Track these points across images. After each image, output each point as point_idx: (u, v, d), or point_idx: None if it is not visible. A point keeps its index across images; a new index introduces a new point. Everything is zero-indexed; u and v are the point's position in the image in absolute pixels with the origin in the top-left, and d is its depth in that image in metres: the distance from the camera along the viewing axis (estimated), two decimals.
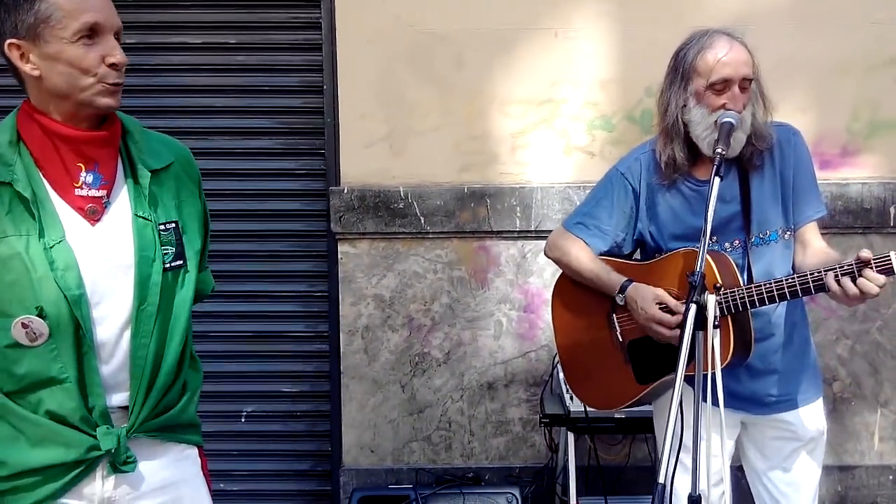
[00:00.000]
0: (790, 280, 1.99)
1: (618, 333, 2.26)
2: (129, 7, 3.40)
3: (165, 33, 3.44)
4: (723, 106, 2.07)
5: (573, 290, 2.36)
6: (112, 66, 1.52)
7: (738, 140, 2.10)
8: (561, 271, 2.41)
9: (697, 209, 2.14)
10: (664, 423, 1.76)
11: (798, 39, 3.27)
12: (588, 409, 2.87)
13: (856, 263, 1.91)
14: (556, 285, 2.43)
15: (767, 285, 2.01)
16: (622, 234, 2.28)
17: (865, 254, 1.91)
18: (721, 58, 2.06)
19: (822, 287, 1.96)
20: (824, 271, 1.95)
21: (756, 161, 2.16)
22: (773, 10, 3.28)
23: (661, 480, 1.67)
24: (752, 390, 2.20)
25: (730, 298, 2.04)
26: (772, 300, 2.01)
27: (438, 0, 3.33)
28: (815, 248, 2.19)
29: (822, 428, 2.29)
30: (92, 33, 1.50)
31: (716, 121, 2.07)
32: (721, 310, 2.02)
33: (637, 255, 2.36)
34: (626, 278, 2.20)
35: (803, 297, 2.07)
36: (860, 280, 1.90)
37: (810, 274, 1.97)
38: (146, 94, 3.42)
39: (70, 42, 1.49)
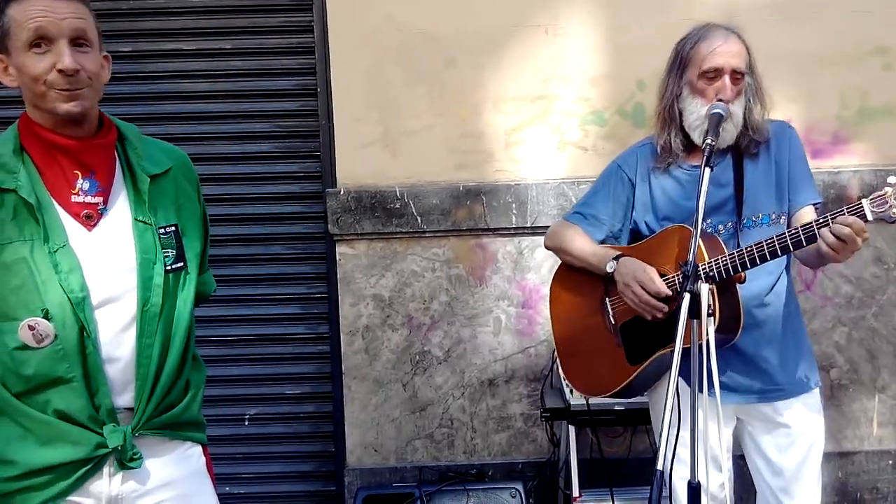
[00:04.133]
0: (769, 241, 2.01)
1: (610, 317, 2.30)
2: (123, 15, 3.43)
3: (159, 41, 3.46)
4: (713, 96, 2.12)
5: (569, 281, 2.40)
6: (60, 72, 1.51)
7: (729, 132, 2.15)
8: (559, 265, 2.44)
9: (692, 193, 2.18)
10: (660, 412, 1.78)
11: (785, 30, 3.29)
12: (589, 401, 2.91)
13: (830, 215, 1.93)
14: (553, 280, 2.47)
15: (749, 249, 2.03)
16: (618, 225, 2.33)
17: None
18: (714, 48, 2.13)
19: (799, 243, 1.97)
20: (801, 227, 1.97)
21: (752, 149, 2.22)
22: (760, 1, 3.30)
23: (659, 467, 1.69)
24: (745, 374, 2.22)
25: (714, 266, 2.05)
26: (753, 263, 2.02)
27: (429, 0, 3.35)
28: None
29: (819, 422, 2.28)
30: (41, 41, 1.51)
31: (707, 111, 2.11)
32: (709, 278, 2.04)
33: None
34: (619, 252, 2.24)
35: (792, 275, 2.11)
36: (833, 225, 1.90)
37: (788, 232, 1.99)
38: (142, 102, 3.44)
39: (25, 52, 1.51)
